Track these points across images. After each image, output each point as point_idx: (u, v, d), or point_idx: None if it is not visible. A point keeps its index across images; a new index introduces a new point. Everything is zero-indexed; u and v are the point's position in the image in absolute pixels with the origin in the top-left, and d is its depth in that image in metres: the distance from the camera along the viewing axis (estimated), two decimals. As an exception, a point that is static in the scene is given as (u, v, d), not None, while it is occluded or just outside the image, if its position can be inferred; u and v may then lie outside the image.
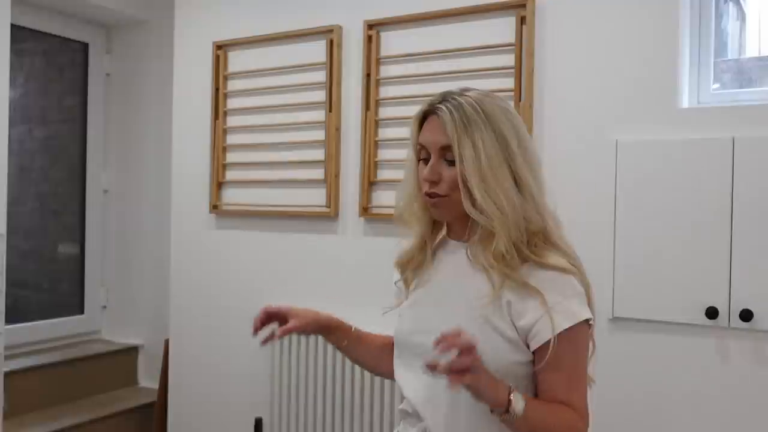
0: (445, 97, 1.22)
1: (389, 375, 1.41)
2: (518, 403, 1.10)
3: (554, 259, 1.18)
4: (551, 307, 1.14)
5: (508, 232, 1.16)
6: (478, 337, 1.08)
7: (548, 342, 1.14)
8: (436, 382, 1.19)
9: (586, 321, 1.18)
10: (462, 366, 1.03)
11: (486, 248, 1.20)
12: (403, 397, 1.34)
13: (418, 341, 1.26)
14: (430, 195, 1.22)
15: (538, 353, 1.17)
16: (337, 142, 2.60)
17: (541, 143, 2.22)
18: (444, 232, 1.33)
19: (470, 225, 1.23)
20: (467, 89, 1.23)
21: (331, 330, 1.41)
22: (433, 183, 1.21)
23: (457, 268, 1.26)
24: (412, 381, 1.27)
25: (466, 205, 1.18)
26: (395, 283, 1.39)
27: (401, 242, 1.37)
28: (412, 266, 1.33)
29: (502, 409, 1.09)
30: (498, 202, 1.15)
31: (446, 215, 1.25)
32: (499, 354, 1.16)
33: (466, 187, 1.17)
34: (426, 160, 1.24)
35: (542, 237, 1.20)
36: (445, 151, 1.20)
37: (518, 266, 1.17)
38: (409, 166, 1.30)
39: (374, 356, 1.45)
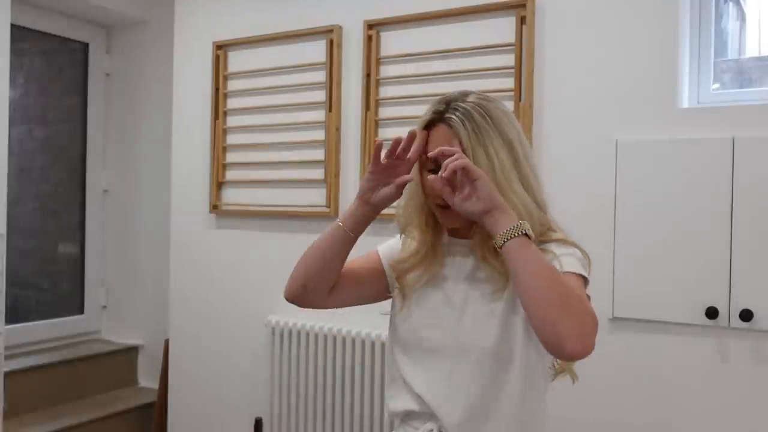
0: (449, 104, 1.21)
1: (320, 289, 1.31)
2: (526, 223, 1.10)
3: (557, 235, 1.24)
4: (558, 256, 1.18)
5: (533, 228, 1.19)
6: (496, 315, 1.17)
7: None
8: (451, 377, 1.22)
9: (586, 280, 1.21)
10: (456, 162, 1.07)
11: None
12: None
13: (427, 335, 1.27)
14: (442, 206, 1.21)
15: None
16: (337, 142, 2.60)
17: (541, 143, 2.22)
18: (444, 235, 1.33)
19: (477, 225, 1.23)
20: (466, 93, 1.23)
21: (370, 216, 1.27)
22: None
23: (464, 265, 1.27)
24: (423, 378, 1.26)
25: None
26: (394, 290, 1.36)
27: (405, 245, 1.34)
28: (418, 271, 1.30)
29: (511, 226, 1.07)
30: (515, 209, 1.16)
31: (457, 222, 1.24)
32: (518, 340, 1.19)
33: None
34: (434, 171, 1.21)
35: (547, 231, 1.25)
36: None
37: None
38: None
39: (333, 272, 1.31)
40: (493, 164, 1.17)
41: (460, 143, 1.18)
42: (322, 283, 1.30)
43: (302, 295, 1.30)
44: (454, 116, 1.19)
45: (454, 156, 1.10)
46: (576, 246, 1.23)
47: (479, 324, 1.21)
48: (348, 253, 1.29)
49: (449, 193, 1.13)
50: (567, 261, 1.19)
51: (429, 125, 1.23)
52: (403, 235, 1.35)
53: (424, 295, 1.30)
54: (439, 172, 1.11)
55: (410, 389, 1.27)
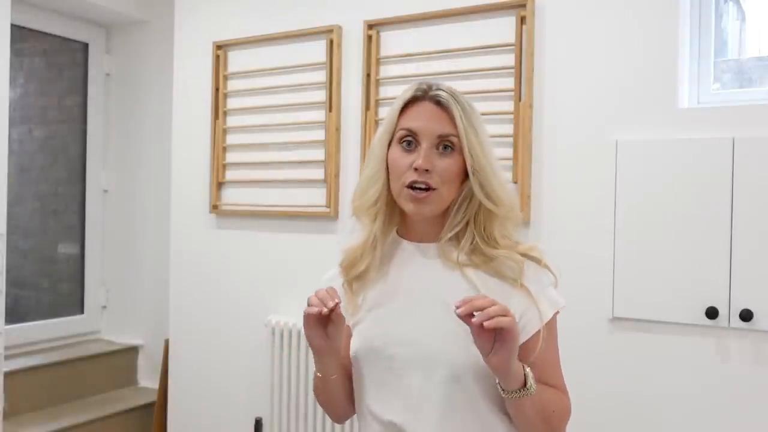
0: (430, 87, 1.16)
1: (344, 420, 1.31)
2: (531, 378, 1.06)
3: (532, 252, 1.16)
4: (535, 298, 1.12)
5: (515, 218, 1.17)
6: (464, 337, 1.05)
7: (537, 333, 1.12)
8: (420, 394, 1.13)
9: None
10: (501, 312, 0.98)
11: (459, 246, 1.16)
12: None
13: (390, 353, 1.16)
14: (415, 187, 1.12)
15: (524, 346, 1.10)
16: (337, 142, 2.60)
17: (541, 143, 2.22)
18: (392, 233, 1.23)
19: (448, 224, 1.16)
20: (438, 84, 1.19)
21: (336, 352, 1.19)
22: (425, 172, 1.11)
23: (427, 271, 1.18)
24: (387, 399, 1.16)
25: (480, 195, 1.13)
26: (342, 285, 1.24)
27: (349, 241, 1.25)
28: (360, 268, 1.21)
29: (519, 385, 1.04)
30: (504, 203, 1.14)
31: (428, 211, 1.14)
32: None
33: (477, 178, 1.12)
34: (407, 146, 1.14)
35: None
36: (442, 140, 1.13)
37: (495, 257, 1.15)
38: (376, 155, 1.19)
39: (349, 398, 1.27)
40: (484, 149, 1.13)
41: (453, 121, 1.12)
42: (346, 416, 1.29)
43: (349, 418, 1.30)
44: (443, 94, 1.14)
45: (503, 310, 0.99)
46: (547, 265, 1.16)
47: (450, 336, 1.11)
48: (345, 386, 1.24)
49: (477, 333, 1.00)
50: (549, 299, 1.14)
51: (410, 102, 1.16)
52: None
53: (379, 304, 1.20)
54: (480, 320, 0.97)
55: (378, 420, 1.17)
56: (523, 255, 1.15)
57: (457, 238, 1.17)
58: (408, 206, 1.14)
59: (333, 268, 1.30)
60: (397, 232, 1.23)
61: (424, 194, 1.12)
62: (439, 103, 1.14)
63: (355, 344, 1.21)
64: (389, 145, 1.17)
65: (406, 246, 1.22)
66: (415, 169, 1.11)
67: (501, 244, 1.15)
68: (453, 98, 1.14)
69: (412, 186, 1.12)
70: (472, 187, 1.13)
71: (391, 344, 1.16)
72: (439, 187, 1.12)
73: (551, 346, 1.16)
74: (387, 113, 1.20)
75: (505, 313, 0.99)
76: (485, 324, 0.97)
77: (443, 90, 1.15)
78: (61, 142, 3.50)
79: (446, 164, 1.13)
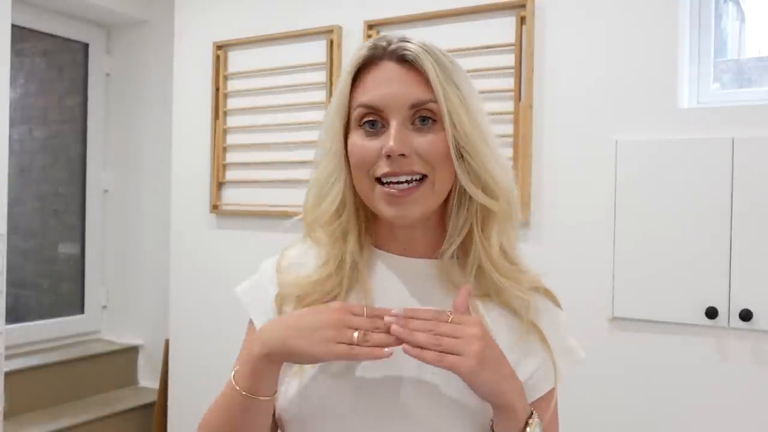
0: (390, 42, 0.83)
1: None
2: (537, 420, 0.80)
3: (535, 277, 0.89)
4: (552, 347, 0.86)
5: (514, 217, 0.86)
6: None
7: (549, 393, 0.86)
8: None
9: None
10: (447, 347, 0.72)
11: (466, 265, 0.86)
12: None
13: (348, 425, 0.82)
14: (392, 181, 0.80)
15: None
16: (337, 142, 2.60)
17: (541, 143, 2.22)
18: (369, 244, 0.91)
19: (450, 231, 0.86)
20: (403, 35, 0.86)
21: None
22: (401, 158, 0.79)
23: (418, 299, 0.86)
24: None
25: (469, 186, 0.81)
26: (274, 299, 0.92)
27: (289, 254, 0.95)
28: (314, 297, 0.87)
29: (520, 424, 0.78)
30: (507, 178, 0.84)
31: (417, 211, 0.81)
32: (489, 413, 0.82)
33: (465, 159, 0.81)
34: (371, 127, 0.82)
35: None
36: (417, 110, 0.80)
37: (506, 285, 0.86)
38: (331, 146, 0.86)
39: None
40: (471, 115, 0.81)
41: (426, 77, 0.80)
42: None
43: None
44: (408, 45, 0.81)
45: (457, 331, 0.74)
46: (556, 299, 0.91)
47: (446, 406, 0.80)
48: (270, 415, 0.84)
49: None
50: (568, 350, 0.89)
51: (364, 67, 0.83)
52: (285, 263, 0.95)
53: (340, 365, 0.83)
54: (417, 355, 0.73)
55: None
56: (533, 288, 0.88)
57: (463, 251, 0.86)
58: (385, 211, 0.82)
59: (266, 267, 0.99)
60: (378, 242, 0.91)
61: (406, 188, 0.80)
62: (403, 60, 0.81)
63: (292, 398, 0.84)
64: (346, 130, 0.85)
65: (386, 261, 0.89)
66: (387, 157, 0.79)
67: (500, 265, 0.85)
68: (424, 51, 0.80)
69: (385, 181, 0.81)
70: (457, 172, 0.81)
71: (354, 410, 0.81)
72: (429, 173, 0.81)
73: (555, 411, 0.89)
74: (336, 87, 0.86)
75: (460, 335, 0.73)
76: (428, 361, 0.72)
77: (411, 42, 0.82)
78: (61, 142, 3.50)
79: (428, 141, 0.80)
